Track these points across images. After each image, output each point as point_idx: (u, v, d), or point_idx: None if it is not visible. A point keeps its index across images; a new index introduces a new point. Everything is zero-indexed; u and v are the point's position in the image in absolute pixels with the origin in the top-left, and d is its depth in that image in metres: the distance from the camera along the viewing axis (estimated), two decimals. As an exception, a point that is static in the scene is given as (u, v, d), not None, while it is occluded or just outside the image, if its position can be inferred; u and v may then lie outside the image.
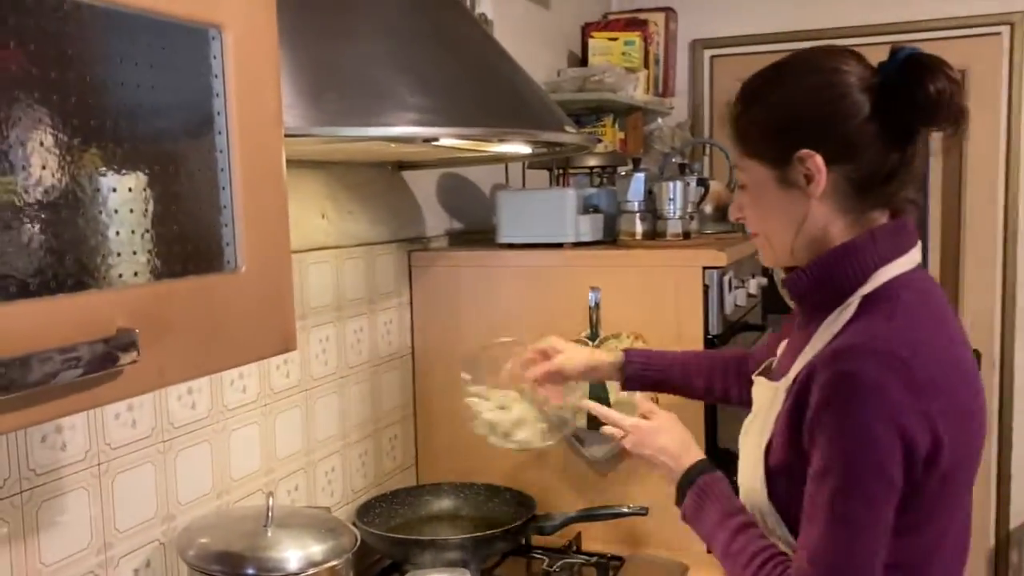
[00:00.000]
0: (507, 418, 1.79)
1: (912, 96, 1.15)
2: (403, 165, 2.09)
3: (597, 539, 1.92)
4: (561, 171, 2.39)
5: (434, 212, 2.26)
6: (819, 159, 1.19)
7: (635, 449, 1.43)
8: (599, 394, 1.92)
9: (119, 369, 0.77)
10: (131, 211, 0.81)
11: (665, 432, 1.40)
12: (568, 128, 1.45)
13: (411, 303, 2.12)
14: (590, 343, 1.94)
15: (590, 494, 1.95)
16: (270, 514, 1.35)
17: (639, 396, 1.46)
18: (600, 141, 2.61)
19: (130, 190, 0.81)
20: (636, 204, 2.10)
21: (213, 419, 1.54)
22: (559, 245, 2.05)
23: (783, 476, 1.20)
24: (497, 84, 1.42)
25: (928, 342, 1.15)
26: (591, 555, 1.87)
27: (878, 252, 1.20)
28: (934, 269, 3.15)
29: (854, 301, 1.19)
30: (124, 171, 0.80)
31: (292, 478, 1.74)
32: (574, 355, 1.65)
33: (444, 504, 1.99)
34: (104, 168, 0.78)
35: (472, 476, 2.01)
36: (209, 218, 0.90)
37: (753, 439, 1.27)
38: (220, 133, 0.90)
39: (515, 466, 1.97)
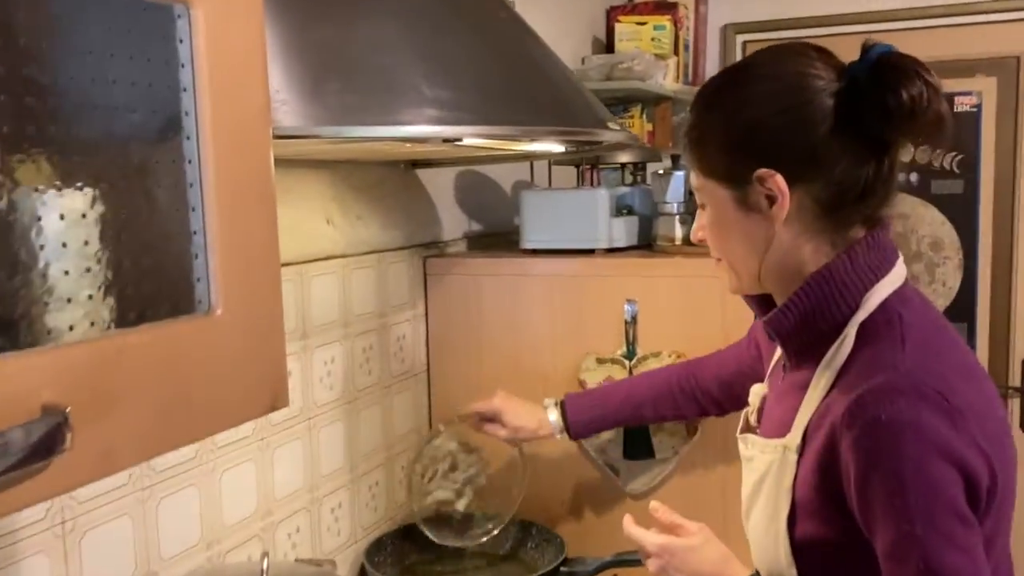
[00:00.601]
0: (459, 477, 1.66)
1: (883, 103, 0.98)
2: (417, 163, 1.89)
3: (635, 583, 1.72)
4: (590, 167, 2.18)
5: (451, 214, 2.05)
6: (780, 179, 1.04)
7: (665, 574, 1.20)
8: (639, 439, 1.73)
9: (44, 464, 0.57)
10: (64, 245, 0.61)
11: (698, 551, 1.17)
12: (611, 124, 1.25)
13: (426, 315, 1.93)
14: (626, 363, 1.74)
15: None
16: (264, 577, 1.16)
17: (655, 503, 1.25)
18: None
19: (62, 217, 0.61)
20: (675, 206, 1.90)
21: (201, 459, 1.34)
22: (590, 251, 1.86)
23: (815, 549, 1.06)
24: (529, 74, 1.21)
25: (947, 363, 1.04)
26: (629, 601, 1.68)
27: (864, 273, 1.05)
28: (984, 276, 2.93)
29: (850, 332, 1.06)
30: (57, 192, 0.61)
31: (293, 519, 1.54)
32: (521, 425, 1.58)
33: (462, 542, 1.78)
34: (27, 189, 0.59)
35: (493, 508, 1.80)
36: (175, 248, 0.70)
37: (766, 510, 1.11)
38: (189, 139, 0.71)
39: (541, 499, 1.78)
